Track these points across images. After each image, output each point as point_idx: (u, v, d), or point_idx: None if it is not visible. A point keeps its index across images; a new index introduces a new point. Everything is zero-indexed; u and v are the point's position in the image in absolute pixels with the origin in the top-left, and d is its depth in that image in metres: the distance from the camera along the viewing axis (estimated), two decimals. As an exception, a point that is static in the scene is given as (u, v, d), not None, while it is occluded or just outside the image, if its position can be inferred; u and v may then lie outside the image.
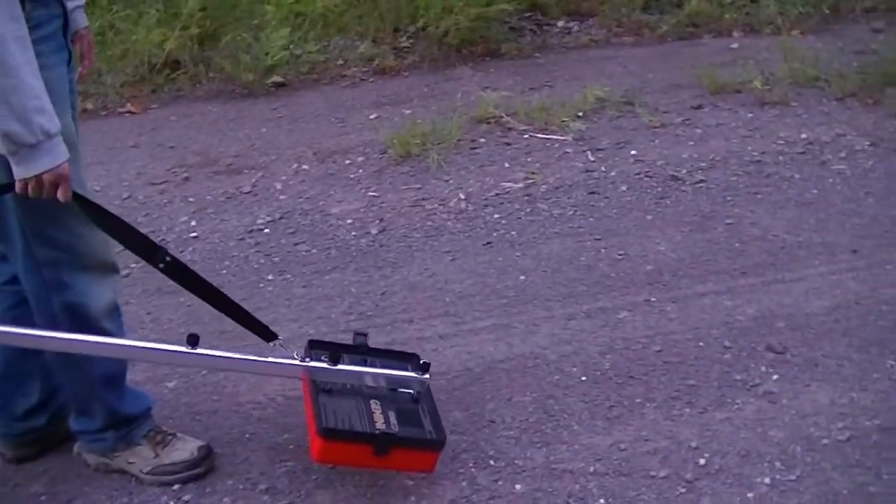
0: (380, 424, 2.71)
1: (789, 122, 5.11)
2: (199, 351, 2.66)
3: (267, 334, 2.80)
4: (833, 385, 3.24)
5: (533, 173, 4.53)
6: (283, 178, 4.61)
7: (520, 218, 4.21)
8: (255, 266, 3.89)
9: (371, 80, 5.78)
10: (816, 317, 3.58)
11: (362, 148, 4.87)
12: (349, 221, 4.24)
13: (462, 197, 4.38)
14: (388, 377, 2.88)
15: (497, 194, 4.37)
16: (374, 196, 4.43)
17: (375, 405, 2.79)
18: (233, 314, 2.76)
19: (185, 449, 2.88)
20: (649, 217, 4.22)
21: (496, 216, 4.21)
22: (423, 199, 4.38)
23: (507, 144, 4.82)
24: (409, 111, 5.24)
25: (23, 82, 2.13)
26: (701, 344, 3.41)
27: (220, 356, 2.78)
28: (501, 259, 3.93)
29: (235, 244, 4.08)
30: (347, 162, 4.75)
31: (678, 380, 3.23)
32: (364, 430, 2.69)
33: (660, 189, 4.44)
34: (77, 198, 2.36)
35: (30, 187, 2.24)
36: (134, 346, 2.74)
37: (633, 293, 3.68)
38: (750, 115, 5.18)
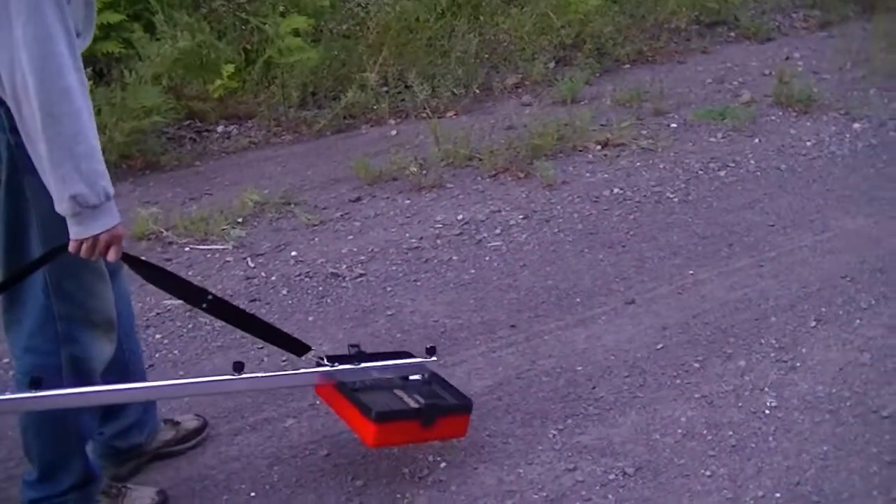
0: (414, 405, 3.10)
1: (445, 204, 5.23)
2: (245, 376, 2.97)
3: (301, 349, 3.14)
4: (499, 464, 3.30)
5: (193, 287, 4.45)
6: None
7: (181, 336, 4.11)
8: None
9: (27, 207, 5.57)
10: (480, 397, 3.64)
11: (18, 281, 4.67)
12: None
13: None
14: (402, 366, 3.31)
15: (158, 314, 4.26)
16: (29, 331, 4.24)
17: (400, 392, 3.18)
18: (269, 337, 3.10)
19: (143, 497, 3.04)
20: (311, 318, 4.21)
21: (158, 336, 4.10)
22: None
23: (168, 260, 4.71)
24: (66, 235, 5.07)
25: (93, 148, 2.34)
26: (366, 441, 3.41)
27: (263, 377, 3.23)
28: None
29: None
30: None
31: (348, 482, 3.22)
32: (409, 407, 3.09)
33: (321, 288, 4.44)
34: (125, 256, 2.57)
35: (84, 247, 2.42)
36: (185, 384, 3.11)
37: (297, 399, 3.65)
38: (407, 201, 5.27)
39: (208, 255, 4.75)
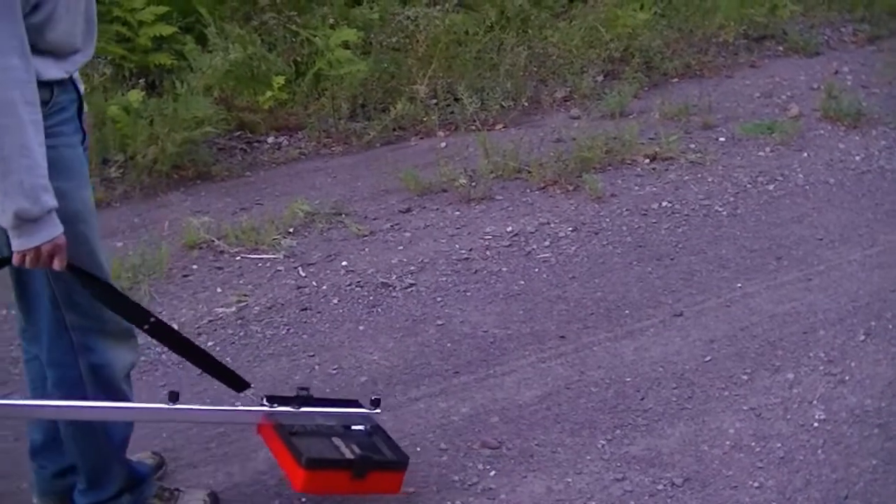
0: (349, 455, 3.00)
1: (495, 216, 5.26)
2: (179, 406, 2.90)
3: (239, 385, 3.04)
4: (548, 473, 3.33)
5: (245, 295, 4.50)
6: (-10, 329, 4.44)
7: (233, 343, 4.16)
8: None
9: (80, 215, 5.63)
10: (529, 407, 3.68)
11: (72, 288, 4.73)
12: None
13: (175, 328, 4.30)
14: (345, 415, 3.22)
15: (210, 321, 4.32)
16: (85, 337, 4.30)
17: (338, 441, 3.08)
18: (209, 368, 3.02)
19: (194, 500, 3.10)
20: (361, 327, 4.25)
21: (210, 343, 4.15)
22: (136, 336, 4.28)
23: (219, 269, 4.77)
24: (119, 244, 5.12)
25: (35, 162, 2.31)
26: (418, 449, 3.44)
27: (198, 409, 3.25)
28: (216, 387, 3.83)
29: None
30: (57, 304, 4.60)
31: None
32: (342, 458, 2.99)
33: (371, 298, 4.48)
34: (69, 267, 2.51)
35: (28, 258, 2.41)
36: (120, 408, 2.87)
37: (349, 406, 3.69)
38: (457, 213, 5.31)
39: (259, 265, 4.80)
